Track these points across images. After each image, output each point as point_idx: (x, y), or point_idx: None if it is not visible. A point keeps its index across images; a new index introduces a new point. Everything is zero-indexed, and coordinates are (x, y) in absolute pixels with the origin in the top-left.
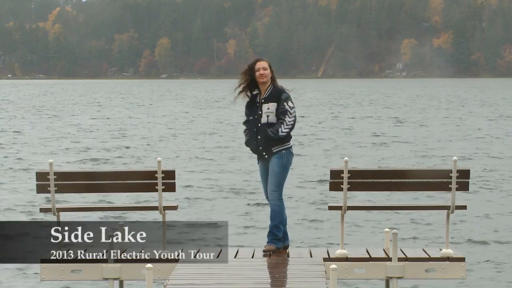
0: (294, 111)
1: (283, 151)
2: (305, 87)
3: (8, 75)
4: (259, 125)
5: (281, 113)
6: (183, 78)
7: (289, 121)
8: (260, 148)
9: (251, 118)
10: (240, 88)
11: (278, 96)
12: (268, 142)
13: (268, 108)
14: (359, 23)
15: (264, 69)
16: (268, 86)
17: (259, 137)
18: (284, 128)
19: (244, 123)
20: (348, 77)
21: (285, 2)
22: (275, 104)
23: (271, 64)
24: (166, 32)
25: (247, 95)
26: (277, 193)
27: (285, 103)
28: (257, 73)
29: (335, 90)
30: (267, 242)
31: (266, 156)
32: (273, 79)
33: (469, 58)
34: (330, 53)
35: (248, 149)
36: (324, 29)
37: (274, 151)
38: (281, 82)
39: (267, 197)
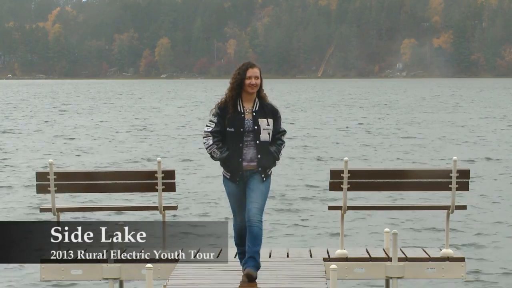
0: None
1: (271, 171)
2: (306, 88)
3: (8, 75)
4: (258, 142)
5: (278, 133)
6: (183, 78)
7: (284, 144)
8: (260, 168)
9: (232, 130)
10: (232, 100)
11: (274, 113)
12: (270, 162)
13: (268, 125)
14: (359, 23)
15: (256, 78)
16: (255, 97)
17: (259, 156)
18: (282, 150)
19: (214, 132)
20: (348, 77)
21: (285, 2)
22: (272, 121)
23: (261, 71)
24: (166, 32)
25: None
26: (260, 215)
27: (281, 123)
28: (247, 81)
29: (338, 90)
30: (249, 267)
31: (264, 179)
32: (260, 89)
33: (469, 58)
34: (330, 53)
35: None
36: (324, 29)
37: (268, 173)
38: (281, 82)
39: (240, 221)
